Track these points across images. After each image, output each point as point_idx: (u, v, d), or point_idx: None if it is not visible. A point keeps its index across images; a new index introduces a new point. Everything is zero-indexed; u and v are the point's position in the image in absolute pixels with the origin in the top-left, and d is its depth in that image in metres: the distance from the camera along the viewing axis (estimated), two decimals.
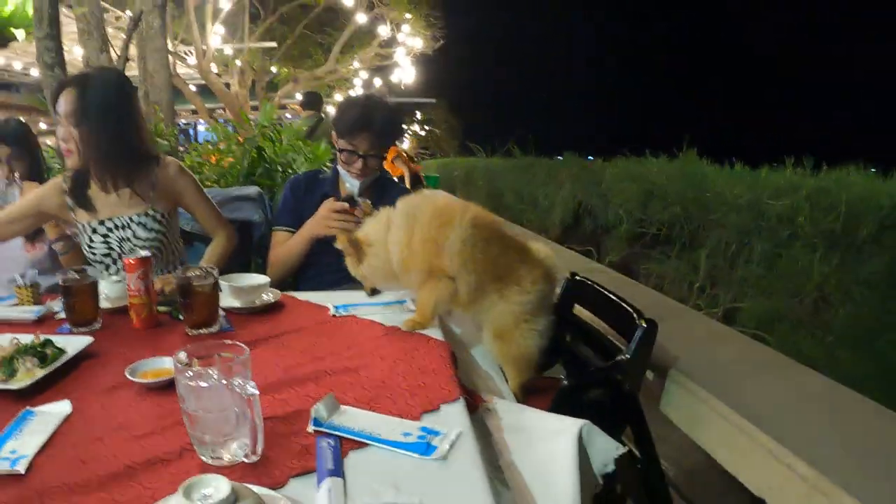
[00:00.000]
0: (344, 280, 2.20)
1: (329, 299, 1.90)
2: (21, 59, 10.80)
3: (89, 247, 2.16)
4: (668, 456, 2.34)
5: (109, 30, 7.19)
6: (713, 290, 4.11)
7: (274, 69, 14.78)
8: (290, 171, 3.75)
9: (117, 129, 2.03)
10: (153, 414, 1.21)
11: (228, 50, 12.56)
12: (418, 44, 14.22)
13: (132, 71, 5.77)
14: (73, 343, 1.50)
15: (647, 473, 1.61)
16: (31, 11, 3.10)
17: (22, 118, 2.78)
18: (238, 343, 1.07)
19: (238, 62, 13.08)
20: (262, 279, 1.93)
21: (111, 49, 4.05)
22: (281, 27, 13.72)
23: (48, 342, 1.45)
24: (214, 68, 12.54)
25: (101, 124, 2.00)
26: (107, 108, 2.01)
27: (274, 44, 13.37)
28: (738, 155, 4.85)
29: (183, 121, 15.27)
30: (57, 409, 1.22)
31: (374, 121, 2.24)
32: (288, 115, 14.26)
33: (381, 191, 2.36)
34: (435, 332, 1.62)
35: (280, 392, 1.28)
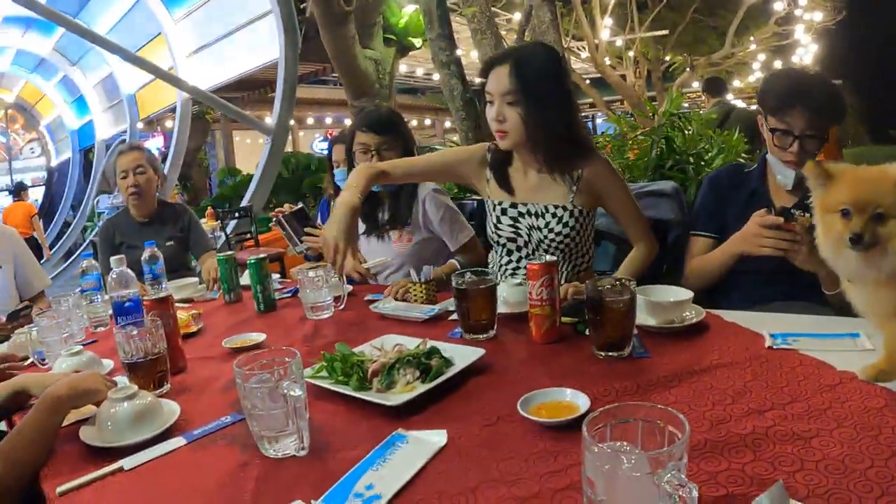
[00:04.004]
0: (778, 295, 1.93)
1: (763, 323, 1.57)
2: (422, 65, 12.65)
3: (495, 227, 2.11)
4: None
5: (502, 32, 7.71)
6: None
7: (668, 58, 14.49)
8: (702, 163, 3.47)
9: (557, 108, 1.92)
10: (546, 462, 0.97)
11: (619, 41, 12.70)
12: (818, 17, 13.00)
13: None
14: (461, 354, 1.38)
15: None
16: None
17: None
18: (673, 411, 0.81)
19: (631, 53, 13.11)
20: (684, 294, 1.66)
21: (505, 46, 4.17)
22: (670, 14, 13.55)
23: (434, 351, 1.34)
24: (608, 61, 12.73)
25: (542, 102, 1.89)
26: (546, 85, 1.91)
27: (665, 31, 13.17)
28: None
29: (582, 114, 15.97)
30: (431, 438, 1.06)
31: (810, 93, 1.91)
32: (685, 105, 13.85)
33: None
34: None
35: (708, 460, 0.97)
